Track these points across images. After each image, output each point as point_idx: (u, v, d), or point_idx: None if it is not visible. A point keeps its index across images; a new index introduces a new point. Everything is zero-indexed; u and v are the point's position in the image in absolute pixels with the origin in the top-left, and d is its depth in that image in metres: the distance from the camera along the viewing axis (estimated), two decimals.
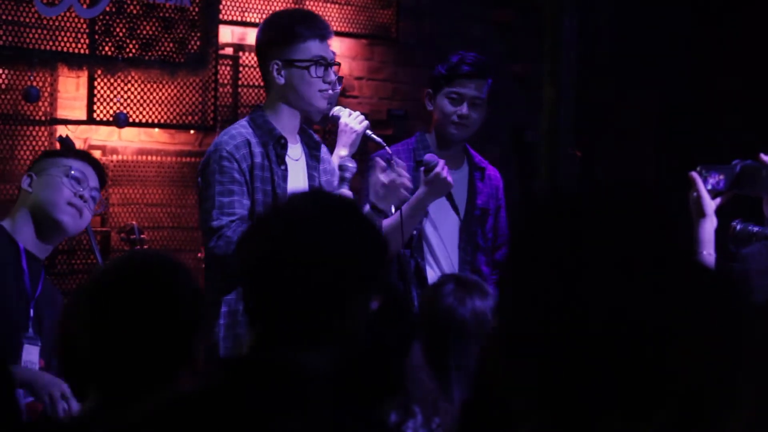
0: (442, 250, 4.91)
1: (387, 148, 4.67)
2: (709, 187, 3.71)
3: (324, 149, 4.52)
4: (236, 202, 4.18)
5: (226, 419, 2.22)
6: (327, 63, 4.35)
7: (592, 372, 1.31)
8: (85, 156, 4.17)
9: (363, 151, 4.91)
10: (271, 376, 2.24)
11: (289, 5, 6.07)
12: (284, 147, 4.31)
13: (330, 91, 4.41)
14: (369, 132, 4.66)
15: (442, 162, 4.70)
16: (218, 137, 4.34)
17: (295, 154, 4.39)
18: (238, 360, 2.35)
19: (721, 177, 3.72)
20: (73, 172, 3.99)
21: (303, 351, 2.28)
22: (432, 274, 4.85)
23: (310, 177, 4.40)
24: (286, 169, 4.31)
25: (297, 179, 4.36)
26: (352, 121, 4.63)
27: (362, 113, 4.73)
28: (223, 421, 2.23)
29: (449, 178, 4.68)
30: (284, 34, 4.33)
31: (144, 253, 3.83)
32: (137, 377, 2.54)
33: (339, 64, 4.57)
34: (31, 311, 3.88)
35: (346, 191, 4.39)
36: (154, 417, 2.30)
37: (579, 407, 1.32)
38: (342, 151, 4.64)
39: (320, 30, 4.38)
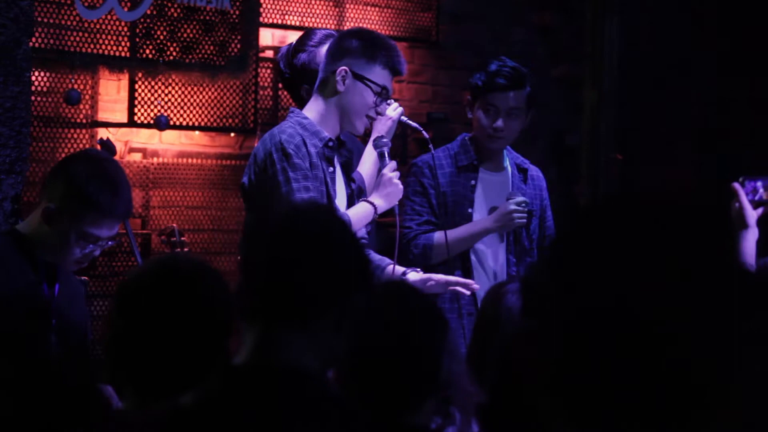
0: (488, 254, 4.88)
1: (424, 132, 4.72)
2: (751, 197, 3.70)
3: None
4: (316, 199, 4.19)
5: (234, 428, 2.24)
6: (387, 96, 4.42)
7: (623, 375, 1.31)
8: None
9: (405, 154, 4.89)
10: (279, 383, 2.28)
11: (329, 9, 6.08)
12: (332, 149, 4.31)
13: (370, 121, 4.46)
14: (404, 118, 4.69)
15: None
16: (274, 136, 4.25)
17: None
18: (244, 366, 2.37)
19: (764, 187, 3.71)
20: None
21: (302, 353, 2.34)
22: (479, 279, 4.82)
23: (346, 183, 4.43)
24: (333, 171, 4.31)
25: (339, 182, 4.39)
26: (386, 109, 4.63)
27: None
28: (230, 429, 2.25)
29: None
30: (370, 51, 4.37)
31: (173, 257, 3.75)
32: (171, 379, 2.56)
33: (396, 103, 4.67)
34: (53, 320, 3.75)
35: (391, 166, 4.42)
36: (161, 425, 2.32)
37: (606, 409, 1.32)
38: None
39: (400, 67, 4.43)
